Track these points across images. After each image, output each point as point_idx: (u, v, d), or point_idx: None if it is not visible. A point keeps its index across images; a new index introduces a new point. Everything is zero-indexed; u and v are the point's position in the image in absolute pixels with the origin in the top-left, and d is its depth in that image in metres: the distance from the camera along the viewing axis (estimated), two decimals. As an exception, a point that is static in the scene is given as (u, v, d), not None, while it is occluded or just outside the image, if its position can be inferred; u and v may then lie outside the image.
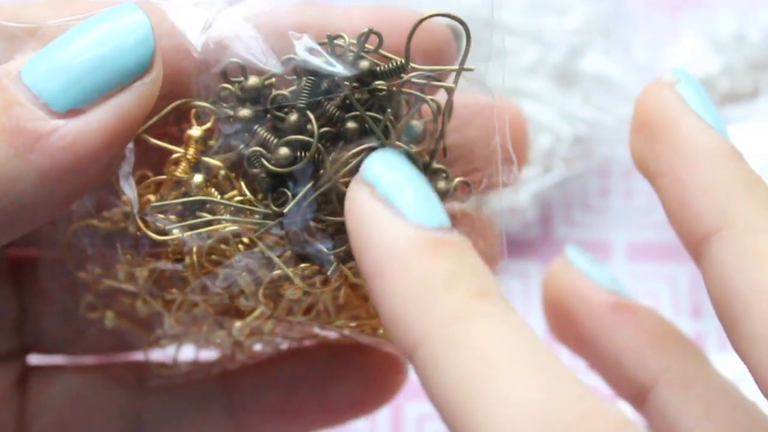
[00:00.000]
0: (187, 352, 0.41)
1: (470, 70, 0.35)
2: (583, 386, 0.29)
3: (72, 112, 0.32)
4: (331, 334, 0.39)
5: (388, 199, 0.31)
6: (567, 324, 0.41)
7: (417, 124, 0.35)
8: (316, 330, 0.39)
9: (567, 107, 0.63)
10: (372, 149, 0.34)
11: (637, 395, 0.39)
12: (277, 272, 0.36)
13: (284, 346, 0.40)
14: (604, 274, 0.42)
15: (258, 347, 0.40)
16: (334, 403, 0.42)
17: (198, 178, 0.35)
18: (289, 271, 0.35)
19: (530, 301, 0.60)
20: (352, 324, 0.37)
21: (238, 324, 0.37)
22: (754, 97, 0.65)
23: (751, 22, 0.66)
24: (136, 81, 0.33)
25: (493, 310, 0.30)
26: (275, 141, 0.35)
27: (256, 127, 0.35)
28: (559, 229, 0.63)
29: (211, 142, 0.36)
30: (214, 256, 0.36)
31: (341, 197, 0.34)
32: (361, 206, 0.32)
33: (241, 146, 0.35)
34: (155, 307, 0.38)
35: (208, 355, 0.41)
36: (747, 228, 0.33)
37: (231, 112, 0.35)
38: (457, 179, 0.36)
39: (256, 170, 0.35)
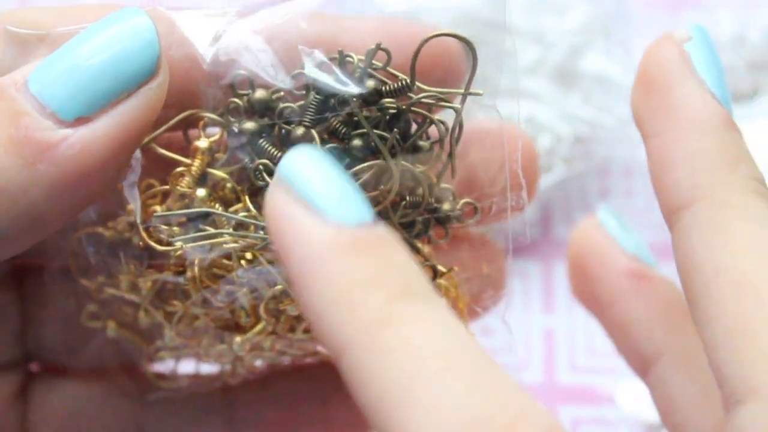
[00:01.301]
0: (188, 366, 0.41)
1: (478, 94, 0.35)
2: (514, 387, 0.28)
3: (79, 120, 0.32)
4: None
5: (305, 200, 0.30)
6: (587, 284, 0.41)
7: (424, 144, 0.35)
8: (318, 347, 0.39)
9: (567, 107, 0.63)
10: (378, 167, 0.34)
11: (643, 365, 0.39)
12: (278, 287, 0.35)
13: (285, 361, 0.40)
14: (632, 240, 0.41)
15: (259, 362, 0.39)
16: (334, 419, 0.42)
17: (201, 192, 0.35)
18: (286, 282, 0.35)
19: (530, 302, 0.60)
20: None
21: (238, 339, 0.37)
22: (754, 97, 0.65)
23: (751, 22, 0.66)
24: (143, 86, 0.32)
25: (417, 311, 0.29)
26: (280, 155, 0.34)
27: (261, 140, 0.35)
28: (559, 229, 0.63)
29: (219, 155, 0.36)
30: (215, 270, 0.36)
31: None
32: (279, 208, 0.30)
33: (247, 159, 0.35)
34: (157, 319, 0.38)
35: (209, 369, 0.41)
36: (719, 204, 0.32)
37: (237, 126, 0.35)
38: (464, 200, 0.36)
39: (261, 183, 0.35)
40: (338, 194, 0.30)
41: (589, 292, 0.41)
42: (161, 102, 0.33)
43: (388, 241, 0.30)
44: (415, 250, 0.36)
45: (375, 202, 0.35)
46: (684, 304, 0.40)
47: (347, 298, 0.29)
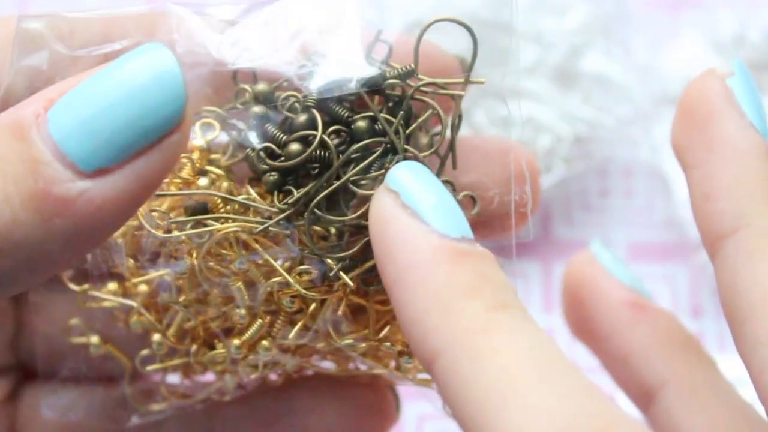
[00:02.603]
0: (173, 380, 0.40)
1: (480, 82, 0.35)
2: (604, 399, 0.29)
3: (100, 171, 0.31)
4: (326, 365, 0.39)
5: (412, 208, 0.32)
6: (583, 318, 0.41)
7: (425, 141, 0.35)
8: (313, 361, 0.38)
9: (567, 107, 0.63)
10: (383, 148, 0.34)
11: (644, 397, 0.39)
12: (275, 279, 0.35)
13: (278, 373, 0.40)
14: (627, 273, 0.42)
15: (252, 375, 0.39)
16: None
17: (203, 181, 0.35)
18: (285, 272, 0.35)
19: (530, 302, 0.60)
20: (349, 341, 0.36)
21: (236, 341, 0.36)
22: (754, 97, 0.65)
23: (751, 22, 0.66)
24: (167, 138, 0.31)
25: (513, 323, 0.30)
26: (285, 138, 0.35)
27: (266, 125, 0.35)
28: (559, 229, 0.63)
29: (215, 156, 0.36)
30: (212, 264, 0.35)
31: (348, 198, 0.34)
32: (386, 213, 0.32)
33: (249, 150, 0.35)
34: (149, 322, 0.37)
35: (193, 388, 0.40)
36: (763, 232, 0.33)
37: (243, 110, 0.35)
38: (463, 193, 0.36)
39: (264, 166, 0.35)
40: (444, 207, 0.32)
41: (587, 326, 0.41)
42: (182, 150, 0.32)
43: (487, 255, 0.32)
44: None
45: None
46: (684, 335, 0.40)
47: (447, 304, 0.30)
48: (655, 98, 0.64)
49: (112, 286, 0.38)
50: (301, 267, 0.35)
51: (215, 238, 0.35)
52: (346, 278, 0.35)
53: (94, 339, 0.39)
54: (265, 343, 0.36)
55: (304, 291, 0.35)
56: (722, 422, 0.37)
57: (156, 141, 0.31)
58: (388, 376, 0.39)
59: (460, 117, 0.35)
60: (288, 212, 0.34)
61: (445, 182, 0.35)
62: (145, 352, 0.38)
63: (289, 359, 0.37)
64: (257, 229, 0.34)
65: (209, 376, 0.40)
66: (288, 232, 0.35)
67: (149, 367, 0.38)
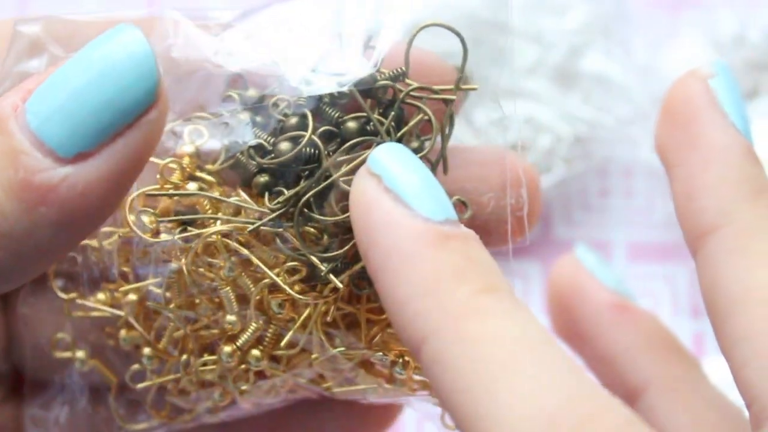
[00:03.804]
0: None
1: (473, 89, 0.35)
2: (592, 383, 0.29)
3: (80, 155, 0.31)
4: (315, 389, 0.38)
5: (395, 192, 0.31)
6: (568, 320, 0.42)
7: (415, 145, 0.35)
8: (301, 380, 0.37)
9: (567, 107, 0.63)
10: (374, 147, 0.33)
11: (628, 397, 0.40)
12: (265, 281, 0.34)
13: (270, 400, 0.39)
14: (610, 275, 0.42)
15: (244, 387, 0.37)
16: None
17: (192, 185, 0.35)
18: (273, 274, 0.34)
19: (530, 302, 0.60)
20: (341, 348, 0.35)
21: (227, 348, 0.35)
22: (754, 97, 0.65)
23: (751, 22, 0.66)
24: (143, 117, 0.31)
25: (501, 306, 0.30)
26: (273, 140, 0.34)
27: (255, 129, 0.35)
28: (559, 229, 0.63)
29: (209, 166, 0.35)
30: (201, 270, 0.35)
31: (339, 198, 0.34)
32: (368, 198, 0.31)
33: (238, 153, 0.35)
34: (139, 335, 0.37)
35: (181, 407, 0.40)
36: (744, 229, 0.33)
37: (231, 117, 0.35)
38: (455, 198, 0.35)
39: (254, 164, 0.34)
40: (428, 189, 0.31)
41: (571, 328, 0.42)
42: (161, 131, 0.32)
43: (472, 237, 0.31)
44: None
45: None
46: (667, 335, 0.40)
47: (434, 288, 0.30)
48: (655, 98, 0.64)
49: (102, 296, 0.37)
50: (290, 264, 0.34)
51: (204, 238, 0.34)
52: (335, 280, 0.34)
53: (80, 354, 0.38)
54: (255, 352, 0.36)
55: (292, 292, 0.34)
56: (705, 421, 0.38)
57: (133, 120, 0.31)
58: (380, 394, 0.38)
59: (451, 121, 0.35)
60: (279, 212, 0.34)
61: None
62: (135, 367, 0.37)
63: (279, 373, 0.36)
64: (248, 229, 0.34)
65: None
66: (279, 230, 0.34)
67: (140, 385, 0.37)
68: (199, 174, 0.35)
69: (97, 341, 0.39)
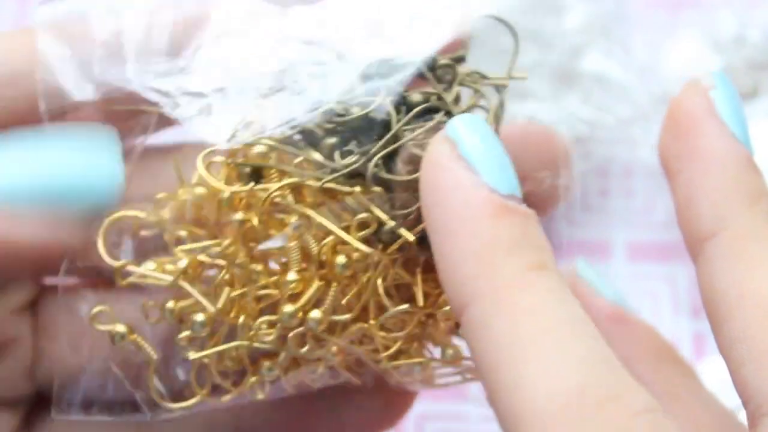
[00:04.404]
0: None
1: (524, 78, 0.38)
2: (620, 368, 0.30)
3: None
4: (367, 361, 0.38)
5: (467, 160, 0.32)
6: None
7: None
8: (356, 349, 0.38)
9: (567, 107, 0.63)
10: (442, 113, 0.36)
11: None
12: (330, 239, 0.35)
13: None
14: (610, 288, 0.43)
15: (302, 350, 0.37)
16: (343, 425, 0.42)
17: (260, 148, 0.36)
18: (341, 229, 0.35)
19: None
20: (406, 306, 0.36)
21: (289, 307, 0.35)
22: (754, 97, 0.65)
23: (751, 22, 0.66)
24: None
25: (547, 284, 0.31)
26: (343, 106, 0.36)
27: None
28: (559, 229, 0.63)
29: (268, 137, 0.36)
30: (265, 219, 0.36)
31: (406, 160, 0.35)
32: (440, 160, 0.33)
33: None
34: (188, 305, 0.36)
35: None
36: (742, 234, 0.34)
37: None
38: None
39: (329, 124, 0.36)
40: (498, 162, 0.33)
41: None
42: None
43: (532, 216, 0.33)
44: None
45: None
46: (668, 348, 0.41)
47: (488, 256, 0.31)
48: (655, 98, 0.64)
49: (151, 264, 0.37)
50: (359, 217, 0.35)
51: (278, 187, 0.35)
52: (406, 233, 0.35)
53: (120, 327, 0.38)
54: (316, 313, 0.36)
55: (360, 245, 0.35)
56: (701, 427, 0.38)
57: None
58: (427, 375, 0.38)
59: (502, 106, 0.37)
60: (350, 167, 0.35)
61: None
62: (186, 333, 0.37)
63: (335, 340, 0.37)
64: (322, 181, 0.35)
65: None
66: (348, 189, 0.35)
67: (193, 355, 0.37)
68: (262, 139, 0.36)
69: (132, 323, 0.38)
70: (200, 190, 0.38)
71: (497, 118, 0.37)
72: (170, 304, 0.37)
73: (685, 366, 0.41)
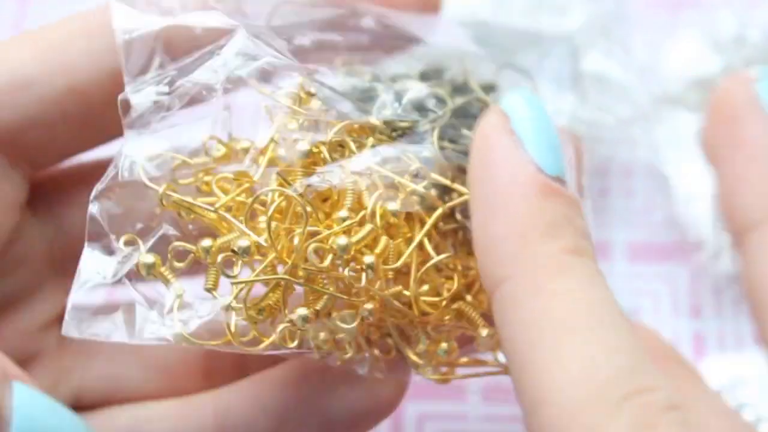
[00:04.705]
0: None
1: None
2: (648, 362, 0.30)
3: None
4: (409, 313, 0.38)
5: (518, 135, 0.32)
6: None
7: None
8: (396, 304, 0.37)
9: (567, 107, 0.63)
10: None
11: None
12: (383, 190, 0.35)
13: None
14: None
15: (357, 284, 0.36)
16: (333, 418, 0.41)
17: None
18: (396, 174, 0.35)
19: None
20: (449, 254, 0.36)
21: (343, 240, 0.35)
22: (754, 97, 0.65)
23: (751, 22, 0.66)
24: None
25: (583, 270, 0.31)
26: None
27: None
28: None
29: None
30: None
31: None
32: (492, 132, 0.33)
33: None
34: (231, 239, 0.35)
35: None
36: None
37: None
38: None
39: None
40: (549, 143, 0.33)
41: None
42: None
43: (575, 201, 0.33)
44: None
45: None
46: (668, 349, 0.41)
47: (527, 235, 0.31)
48: (655, 98, 0.64)
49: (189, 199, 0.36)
50: (415, 167, 0.35)
51: (341, 127, 0.35)
52: (460, 188, 0.35)
53: (148, 257, 0.36)
54: (370, 258, 0.35)
55: (418, 187, 0.35)
56: (706, 427, 0.38)
57: None
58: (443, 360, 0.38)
59: None
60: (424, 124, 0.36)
61: None
62: (225, 255, 0.35)
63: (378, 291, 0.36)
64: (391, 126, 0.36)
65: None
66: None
67: (242, 279, 0.35)
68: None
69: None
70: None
71: None
72: (207, 242, 0.36)
73: (688, 368, 0.41)
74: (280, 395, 0.41)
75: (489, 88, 0.39)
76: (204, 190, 0.37)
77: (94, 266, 0.36)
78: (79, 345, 0.40)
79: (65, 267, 0.41)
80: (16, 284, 0.40)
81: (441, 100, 0.38)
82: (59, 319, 0.40)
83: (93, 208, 0.36)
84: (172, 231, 0.37)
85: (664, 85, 0.64)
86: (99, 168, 0.41)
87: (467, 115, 0.38)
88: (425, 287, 0.36)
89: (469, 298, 0.37)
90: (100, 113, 0.38)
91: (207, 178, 0.37)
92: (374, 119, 0.36)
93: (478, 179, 0.32)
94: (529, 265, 0.31)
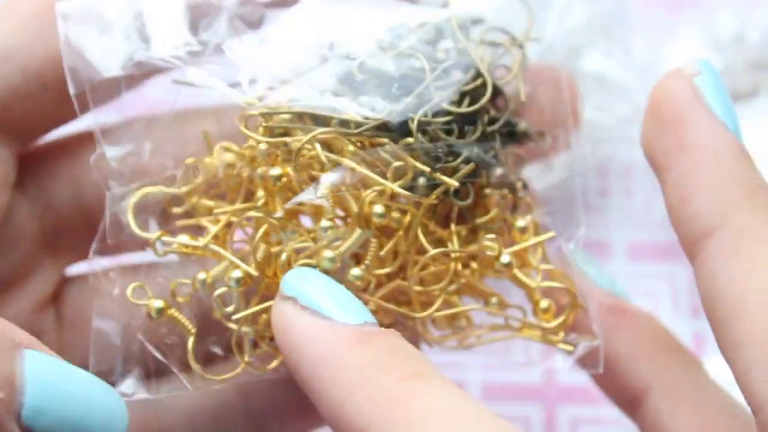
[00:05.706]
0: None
1: (541, 39, 0.40)
2: None
3: None
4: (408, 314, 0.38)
5: (311, 308, 0.33)
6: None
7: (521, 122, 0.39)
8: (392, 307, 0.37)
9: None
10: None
11: (631, 401, 0.39)
12: (371, 191, 0.35)
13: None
14: (604, 276, 0.42)
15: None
16: None
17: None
18: (379, 177, 0.35)
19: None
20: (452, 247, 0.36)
21: (329, 252, 0.35)
22: (754, 97, 0.65)
23: (751, 22, 0.66)
24: None
25: (429, 386, 0.31)
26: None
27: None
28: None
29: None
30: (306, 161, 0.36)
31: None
32: (288, 318, 0.33)
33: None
34: (219, 272, 0.36)
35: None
36: (741, 231, 0.32)
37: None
38: (535, 129, 0.39)
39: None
40: (341, 301, 0.33)
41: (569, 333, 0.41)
42: None
43: (392, 332, 0.33)
44: (498, 161, 0.38)
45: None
46: (669, 337, 0.40)
47: (363, 382, 0.31)
48: (655, 98, 0.64)
49: (184, 237, 0.37)
50: (396, 163, 0.35)
51: (309, 138, 0.35)
52: (449, 180, 0.35)
53: (158, 302, 0.37)
54: (357, 271, 0.36)
55: (399, 189, 0.35)
56: (710, 421, 0.37)
57: None
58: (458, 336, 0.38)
59: (525, 59, 0.40)
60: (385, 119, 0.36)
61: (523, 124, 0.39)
62: (222, 290, 0.37)
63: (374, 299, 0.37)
64: (357, 130, 0.35)
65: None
66: (385, 140, 0.36)
67: (236, 315, 0.36)
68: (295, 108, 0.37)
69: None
70: (229, 156, 0.38)
71: (522, 71, 0.38)
72: (202, 275, 0.37)
73: (689, 356, 0.40)
74: (283, 398, 0.41)
75: (476, 22, 0.39)
76: (200, 211, 0.38)
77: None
78: (79, 323, 0.40)
79: (57, 244, 0.41)
80: (10, 265, 0.40)
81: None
82: (56, 297, 0.40)
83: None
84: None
85: (664, 85, 0.64)
86: (81, 140, 0.41)
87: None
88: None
89: (467, 272, 0.38)
90: None
91: (202, 202, 0.38)
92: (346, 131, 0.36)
93: (297, 363, 0.32)
94: (380, 406, 0.31)
